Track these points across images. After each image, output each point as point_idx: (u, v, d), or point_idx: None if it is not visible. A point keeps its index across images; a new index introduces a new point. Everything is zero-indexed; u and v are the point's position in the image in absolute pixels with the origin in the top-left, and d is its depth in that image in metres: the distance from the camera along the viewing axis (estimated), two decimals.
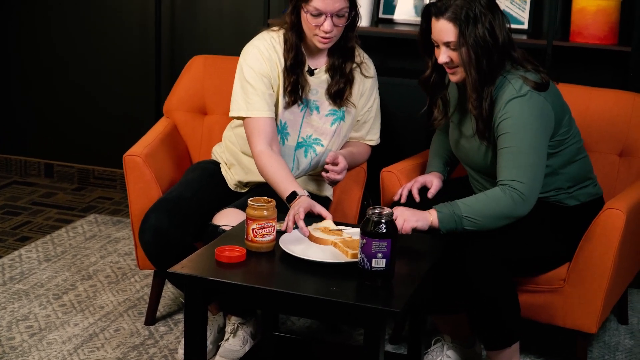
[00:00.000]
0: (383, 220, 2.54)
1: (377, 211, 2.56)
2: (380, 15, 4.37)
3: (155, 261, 3.20)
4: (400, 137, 3.97)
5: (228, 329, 3.33)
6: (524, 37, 4.11)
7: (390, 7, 4.35)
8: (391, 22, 4.36)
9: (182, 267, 2.64)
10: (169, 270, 2.63)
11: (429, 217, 2.89)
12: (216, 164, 3.50)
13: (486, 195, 2.93)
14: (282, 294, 2.53)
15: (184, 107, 3.86)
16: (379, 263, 2.54)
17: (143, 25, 4.89)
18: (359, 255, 2.57)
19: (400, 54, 4.41)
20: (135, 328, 3.55)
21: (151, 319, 3.58)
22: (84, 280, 3.96)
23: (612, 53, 4.02)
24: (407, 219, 2.85)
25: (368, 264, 2.55)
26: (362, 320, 2.48)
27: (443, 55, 2.99)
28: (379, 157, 3.62)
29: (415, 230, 2.87)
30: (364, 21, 4.18)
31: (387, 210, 2.57)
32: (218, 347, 3.34)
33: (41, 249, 4.26)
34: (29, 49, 5.17)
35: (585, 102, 3.57)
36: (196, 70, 3.90)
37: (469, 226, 2.90)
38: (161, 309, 3.67)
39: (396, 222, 2.80)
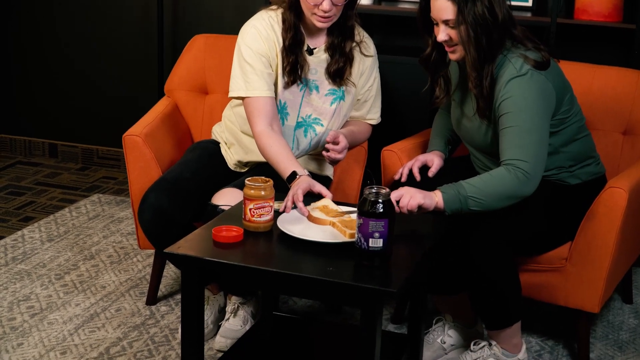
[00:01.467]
0: (380, 200, 2.52)
1: (374, 191, 2.54)
2: None
3: (155, 241, 3.19)
4: (404, 116, 3.95)
5: (228, 308, 3.33)
6: (529, 14, 4.07)
7: None
8: (395, 0, 4.32)
9: (179, 247, 2.62)
10: (165, 250, 2.61)
11: (435, 198, 2.85)
12: (216, 144, 3.48)
13: (491, 175, 2.90)
14: (279, 274, 2.51)
15: (185, 86, 3.84)
16: (376, 243, 2.52)
17: (145, 5, 4.86)
18: (356, 235, 2.55)
19: (404, 32, 4.37)
20: (137, 308, 3.55)
21: (152, 299, 3.58)
22: (86, 260, 3.95)
23: (617, 31, 3.98)
24: (414, 196, 2.80)
25: (365, 243, 2.53)
26: (359, 301, 2.46)
27: (442, 34, 2.96)
28: (383, 136, 3.60)
29: (420, 209, 2.84)
30: None
31: (384, 190, 2.54)
32: (219, 327, 3.34)
33: (44, 229, 4.26)
34: (31, 32, 5.15)
35: (589, 79, 3.53)
36: (197, 49, 3.88)
37: (474, 206, 2.86)
38: (163, 289, 3.67)
39: (402, 199, 2.79)
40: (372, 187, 2.55)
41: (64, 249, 4.05)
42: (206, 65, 3.84)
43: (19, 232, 4.21)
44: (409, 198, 2.80)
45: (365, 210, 2.53)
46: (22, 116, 5.30)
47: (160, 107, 3.72)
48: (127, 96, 5.02)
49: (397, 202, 2.78)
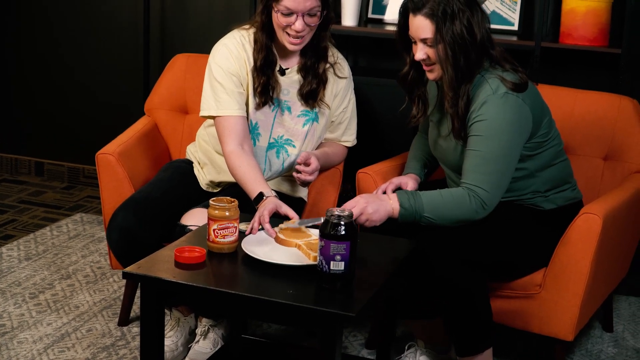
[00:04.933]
0: (342, 222, 2.48)
1: (336, 213, 2.50)
2: (370, 15, 4.31)
3: (123, 261, 3.15)
4: (388, 139, 3.91)
5: (198, 331, 3.28)
6: (514, 38, 4.04)
7: (380, 8, 4.29)
8: (381, 22, 4.30)
9: (139, 267, 2.59)
10: (125, 270, 2.57)
11: (390, 210, 2.89)
12: (189, 163, 3.44)
13: (452, 197, 2.89)
14: (237, 297, 2.47)
15: (165, 105, 3.81)
16: (338, 266, 2.48)
17: (133, 27, 4.84)
18: (318, 258, 2.51)
19: (390, 55, 4.34)
20: (108, 329, 3.50)
21: (125, 320, 3.53)
22: (62, 279, 3.91)
23: (603, 55, 3.94)
24: (370, 220, 2.85)
25: (326, 266, 2.49)
26: (318, 324, 2.42)
27: (420, 52, 2.94)
28: (365, 158, 3.55)
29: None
30: (351, 21, 4.12)
31: (346, 212, 2.50)
32: (189, 349, 3.29)
33: (23, 248, 4.22)
34: (20, 52, 5.14)
35: (571, 104, 3.49)
36: (178, 68, 3.85)
37: (425, 223, 2.92)
38: (136, 310, 3.62)
39: (358, 219, 2.78)
40: (334, 209, 2.51)
41: (41, 268, 4.00)
42: (186, 85, 3.81)
43: None
44: (365, 220, 2.82)
45: (327, 232, 2.48)
46: (8, 134, 5.28)
47: (138, 126, 3.69)
48: (115, 117, 4.98)
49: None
